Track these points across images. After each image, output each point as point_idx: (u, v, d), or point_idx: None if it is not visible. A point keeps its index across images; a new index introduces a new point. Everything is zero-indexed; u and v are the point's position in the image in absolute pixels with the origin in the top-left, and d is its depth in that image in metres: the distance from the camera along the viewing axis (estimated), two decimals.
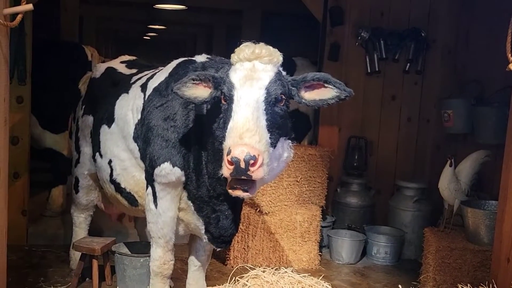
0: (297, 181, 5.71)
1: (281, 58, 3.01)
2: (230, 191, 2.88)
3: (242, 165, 2.66)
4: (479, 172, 5.10)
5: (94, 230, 5.30)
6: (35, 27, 5.72)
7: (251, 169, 2.68)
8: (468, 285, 3.37)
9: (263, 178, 2.85)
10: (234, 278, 2.97)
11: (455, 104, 5.76)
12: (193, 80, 3.07)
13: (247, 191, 2.84)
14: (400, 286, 3.33)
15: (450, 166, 4.89)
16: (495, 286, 3.37)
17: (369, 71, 6.47)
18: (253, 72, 2.91)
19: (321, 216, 5.74)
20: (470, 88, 5.91)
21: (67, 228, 5.55)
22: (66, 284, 4.70)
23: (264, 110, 2.86)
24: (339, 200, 6.42)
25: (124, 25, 13.15)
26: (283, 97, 2.97)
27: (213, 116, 3.21)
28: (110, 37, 14.89)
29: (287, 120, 3.13)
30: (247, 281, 2.93)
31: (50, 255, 5.47)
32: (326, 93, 3.02)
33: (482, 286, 3.36)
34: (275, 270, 3.04)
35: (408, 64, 6.49)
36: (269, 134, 2.83)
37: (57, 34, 7.91)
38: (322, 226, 5.89)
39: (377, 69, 6.44)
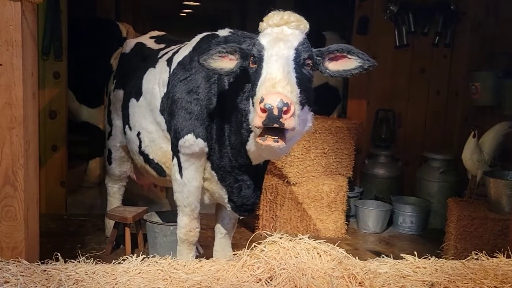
0: (324, 153, 5.83)
1: (308, 26, 3.10)
2: (260, 141, 2.84)
3: (276, 112, 2.66)
4: (503, 143, 5.12)
5: (130, 200, 5.55)
6: (72, 4, 5.93)
7: (284, 116, 2.69)
8: (483, 251, 3.46)
9: (294, 129, 2.83)
10: (253, 244, 3.11)
11: (482, 77, 5.77)
12: (219, 53, 3.17)
13: (277, 141, 2.81)
14: (415, 252, 3.41)
15: (474, 137, 4.95)
16: (510, 253, 3.44)
17: (397, 44, 6.51)
18: (282, 35, 3.01)
19: (347, 186, 5.86)
20: (498, 60, 5.89)
21: (103, 198, 5.77)
22: (101, 250, 4.93)
23: (294, 68, 2.93)
24: (367, 171, 6.54)
25: (160, 1, 13.27)
26: (310, 62, 3.05)
27: (236, 89, 3.34)
28: (147, 13, 15.03)
29: (312, 89, 3.18)
30: (264, 247, 3.07)
31: (88, 223, 5.74)
32: (349, 64, 3.08)
33: (497, 253, 3.44)
34: (292, 237, 3.17)
35: (437, 37, 6.51)
36: (298, 91, 2.89)
37: (94, 11, 8.13)
38: (349, 197, 6.04)
39: (405, 42, 6.47)
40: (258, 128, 2.84)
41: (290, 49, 2.96)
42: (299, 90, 2.87)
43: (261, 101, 2.70)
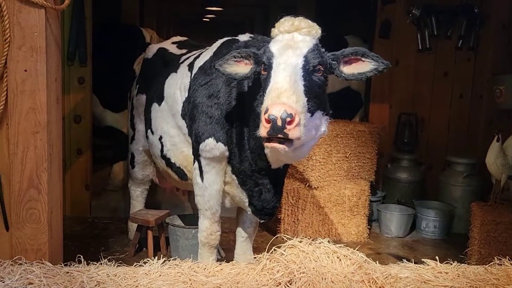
0: (346, 157, 5.82)
1: (319, 32, 3.11)
2: (266, 143, 2.93)
3: (279, 122, 2.71)
4: None
5: (153, 203, 5.61)
6: (98, 10, 6.02)
7: (288, 127, 2.73)
8: (507, 257, 3.41)
9: (300, 139, 2.86)
10: (273, 248, 3.12)
11: (507, 80, 5.72)
12: (235, 58, 3.22)
13: (283, 143, 2.84)
14: (437, 257, 3.39)
15: (497, 141, 4.88)
16: None
17: (420, 48, 6.49)
18: (292, 42, 3.03)
19: (370, 190, 5.83)
20: None
21: (127, 201, 5.81)
22: (124, 253, 4.99)
23: (302, 76, 2.95)
24: (390, 175, 6.51)
25: (183, 7, 13.36)
26: (321, 68, 3.05)
27: (254, 93, 3.36)
28: (170, 19, 15.12)
29: (325, 93, 3.21)
30: (284, 251, 3.07)
31: (111, 226, 5.81)
32: (364, 67, 3.09)
33: None
34: (312, 240, 3.17)
35: (461, 41, 6.48)
36: (306, 99, 2.91)
37: (118, 17, 8.21)
38: (372, 201, 6.02)
39: (428, 46, 6.45)
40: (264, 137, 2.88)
41: (299, 56, 2.98)
42: (306, 99, 2.89)
43: (266, 112, 2.75)
